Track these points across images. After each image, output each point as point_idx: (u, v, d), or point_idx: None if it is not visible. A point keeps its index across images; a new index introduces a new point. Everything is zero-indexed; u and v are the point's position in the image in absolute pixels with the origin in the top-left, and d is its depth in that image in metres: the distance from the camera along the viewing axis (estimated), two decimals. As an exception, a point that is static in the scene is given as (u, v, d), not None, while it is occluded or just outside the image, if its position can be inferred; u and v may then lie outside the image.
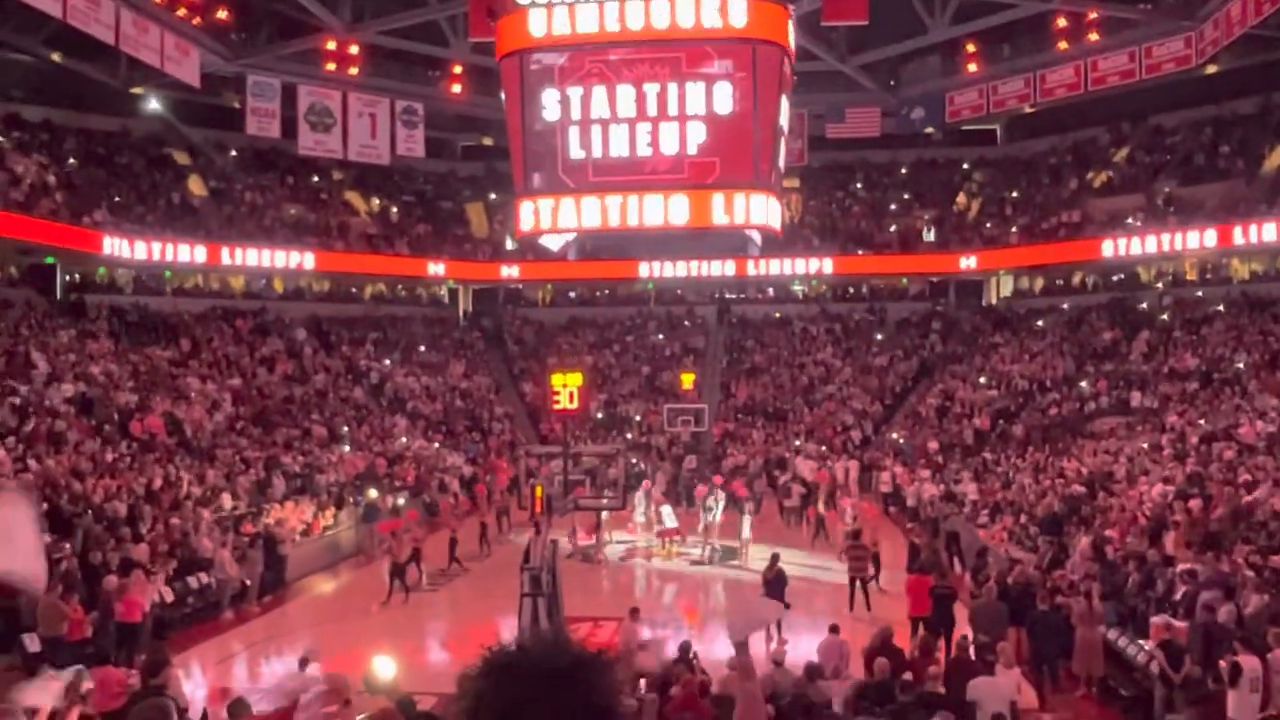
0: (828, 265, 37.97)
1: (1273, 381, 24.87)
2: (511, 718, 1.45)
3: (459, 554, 21.23)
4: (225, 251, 32.96)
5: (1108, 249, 32.83)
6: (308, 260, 34.87)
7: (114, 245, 29.92)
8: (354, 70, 34.22)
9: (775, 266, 37.80)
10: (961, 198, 40.08)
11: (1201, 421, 23.68)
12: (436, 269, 38.29)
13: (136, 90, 33.69)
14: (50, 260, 30.20)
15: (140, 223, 31.23)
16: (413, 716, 6.76)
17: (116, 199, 31.65)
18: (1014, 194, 38.94)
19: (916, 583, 14.99)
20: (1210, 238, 30.18)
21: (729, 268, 37.54)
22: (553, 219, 16.11)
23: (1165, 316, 32.31)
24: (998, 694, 10.02)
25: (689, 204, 15.38)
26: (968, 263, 36.69)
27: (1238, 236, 29.48)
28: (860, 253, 38.35)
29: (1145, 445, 23.28)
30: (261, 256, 33.81)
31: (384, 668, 8.66)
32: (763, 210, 15.68)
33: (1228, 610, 12.52)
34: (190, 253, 32.11)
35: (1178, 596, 13.62)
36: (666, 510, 23.69)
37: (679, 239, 19.41)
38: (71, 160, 32.03)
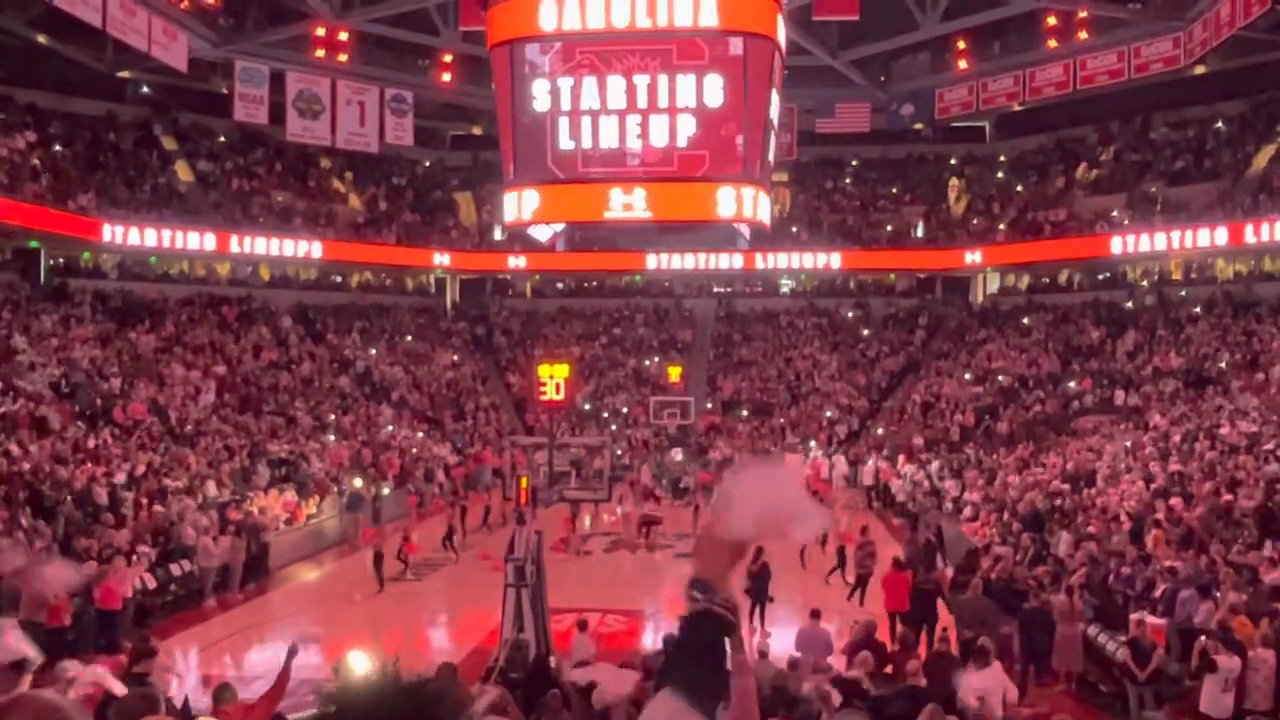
0: (835, 260, 37.71)
1: (1253, 381, 25.06)
2: None
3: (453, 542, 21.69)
4: (234, 240, 32.85)
5: (1116, 245, 32.62)
6: (315, 249, 34.84)
7: (114, 233, 29.83)
8: (343, 57, 33.98)
9: (783, 260, 37.68)
10: (954, 186, 40.14)
11: (1184, 420, 23.83)
12: (441, 259, 38.18)
13: (123, 74, 33.40)
14: (34, 244, 29.96)
15: (126, 207, 31.01)
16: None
17: (104, 183, 31.41)
18: (1001, 191, 39.04)
19: (894, 578, 15.03)
20: (1221, 235, 29.95)
21: (737, 260, 37.22)
22: (542, 209, 16.05)
23: (1150, 315, 32.43)
24: (987, 688, 10.09)
25: (678, 196, 15.33)
26: (972, 258, 36.51)
27: (1249, 235, 29.27)
28: (857, 248, 38.12)
29: (1128, 444, 23.42)
30: (270, 245, 33.73)
31: (359, 661, 8.71)
32: (752, 204, 15.66)
33: (1206, 608, 12.64)
34: (200, 240, 32.05)
35: (1157, 594, 13.73)
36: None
37: (668, 232, 19.35)
38: (58, 147, 31.73)
